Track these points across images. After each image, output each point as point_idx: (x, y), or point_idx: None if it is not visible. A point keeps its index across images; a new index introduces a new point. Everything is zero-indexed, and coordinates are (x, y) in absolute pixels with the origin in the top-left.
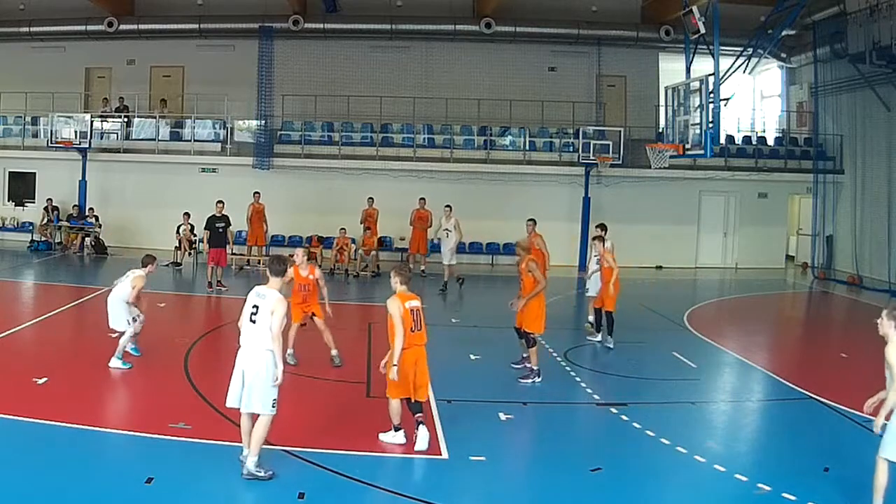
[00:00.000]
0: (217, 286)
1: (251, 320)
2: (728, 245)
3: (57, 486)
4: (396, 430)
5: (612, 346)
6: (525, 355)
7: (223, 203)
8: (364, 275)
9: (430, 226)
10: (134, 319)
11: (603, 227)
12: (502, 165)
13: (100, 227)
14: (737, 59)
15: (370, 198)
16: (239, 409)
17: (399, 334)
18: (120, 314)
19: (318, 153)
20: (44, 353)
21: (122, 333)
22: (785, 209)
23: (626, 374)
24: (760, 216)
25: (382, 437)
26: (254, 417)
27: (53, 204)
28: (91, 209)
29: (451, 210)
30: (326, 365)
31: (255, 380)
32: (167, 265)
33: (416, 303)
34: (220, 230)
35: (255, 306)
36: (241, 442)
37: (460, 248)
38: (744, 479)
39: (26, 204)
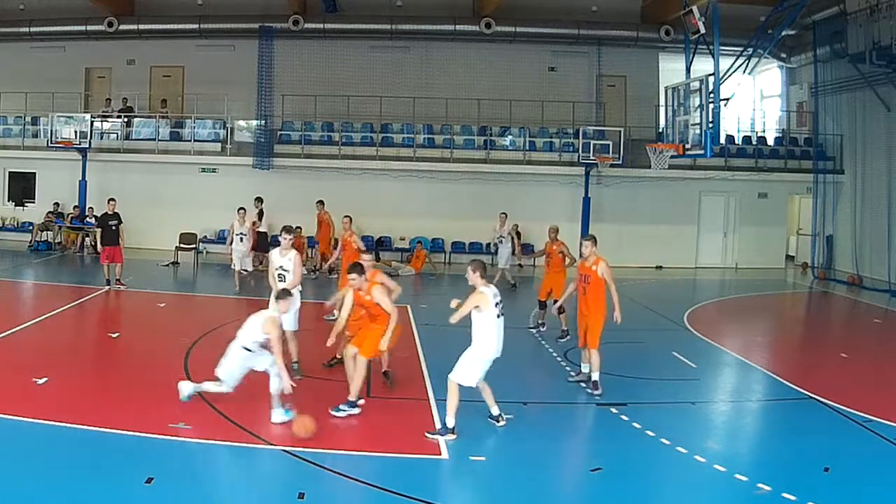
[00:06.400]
0: (116, 284)
1: None
2: (728, 245)
3: (57, 486)
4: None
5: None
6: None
7: (115, 201)
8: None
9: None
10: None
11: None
12: (502, 165)
13: None
14: (737, 59)
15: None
16: None
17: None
18: (236, 361)
19: (318, 153)
20: (44, 353)
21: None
22: (785, 209)
23: (626, 374)
24: (760, 216)
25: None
26: None
27: (59, 209)
28: (91, 209)
29: (506, 217)
30: None
31: None
32: (167, 265)
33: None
34: (113, 227)
35: None
36: (240, 442)
37: (459, 248)
38: (744, 479)
39: (26, 204)
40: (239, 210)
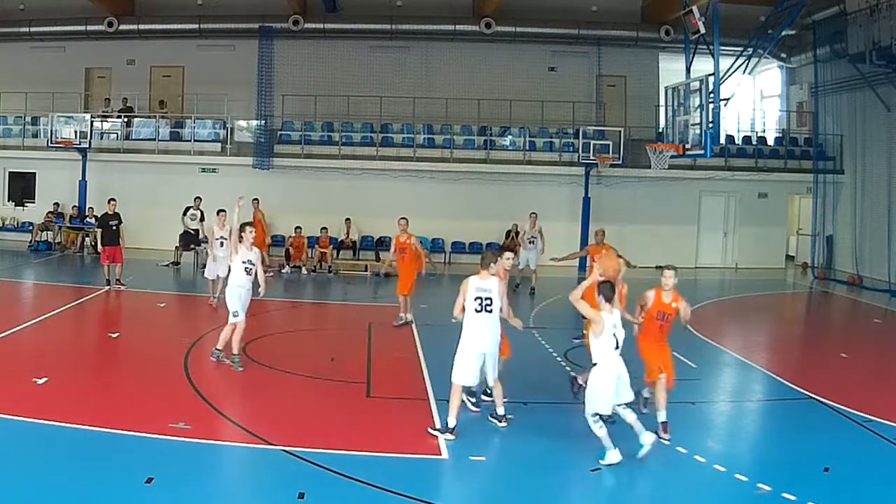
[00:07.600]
0: (116, 284)
1: None
2: (728, 245)
3: (57, 486)
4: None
5: None
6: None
7: (115, 201)
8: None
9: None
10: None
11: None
12: (502, 165)
13: None
14: (737, 59)
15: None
16: None
17: None
18: None
19: (318, 153)
20: (44, 353)
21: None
22: (785, 209)
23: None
24: (760, 216)
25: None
26: None
27: (59, 210)
28: (91, 209)
29: (536, 216)
30: (326, 365)
31: None
32: (167, 265)
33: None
34: (114, 228)
35: None
36: (240, 442)
37: (459, 248)
38: (744, 479)
39: (26, 204)
40: (219, 213)
